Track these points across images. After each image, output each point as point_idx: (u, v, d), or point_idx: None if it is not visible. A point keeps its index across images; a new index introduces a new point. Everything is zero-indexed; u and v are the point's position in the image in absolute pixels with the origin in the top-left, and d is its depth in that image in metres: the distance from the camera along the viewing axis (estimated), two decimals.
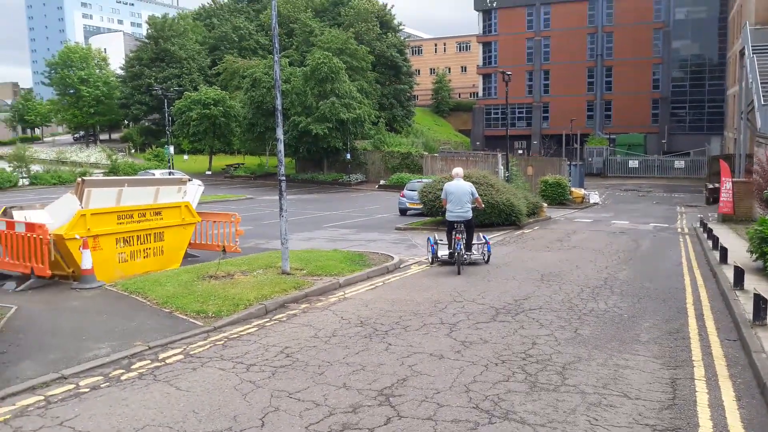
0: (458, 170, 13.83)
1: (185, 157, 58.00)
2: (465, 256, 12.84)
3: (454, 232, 12.79)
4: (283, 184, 11.81)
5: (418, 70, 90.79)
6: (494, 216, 20.71)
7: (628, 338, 7.90)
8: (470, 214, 12.92)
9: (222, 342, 7.64)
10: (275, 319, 8.79)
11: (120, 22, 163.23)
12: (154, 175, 35.99)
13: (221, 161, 57.80)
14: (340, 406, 5.53)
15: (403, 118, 73.96)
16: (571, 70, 72.62)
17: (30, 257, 11.40)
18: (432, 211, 21.71)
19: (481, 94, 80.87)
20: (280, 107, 11.75)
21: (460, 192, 12.98)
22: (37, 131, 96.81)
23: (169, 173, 36.34)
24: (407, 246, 17.12)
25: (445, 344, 7.45)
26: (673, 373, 6.56)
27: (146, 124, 70.34)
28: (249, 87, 48.29)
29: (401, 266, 13.44)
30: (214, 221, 15.33)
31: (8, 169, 41.65)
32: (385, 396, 5.75)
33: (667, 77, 68.89)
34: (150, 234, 13.40)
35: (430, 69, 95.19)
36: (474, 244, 13.66)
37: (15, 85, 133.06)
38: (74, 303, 10.07)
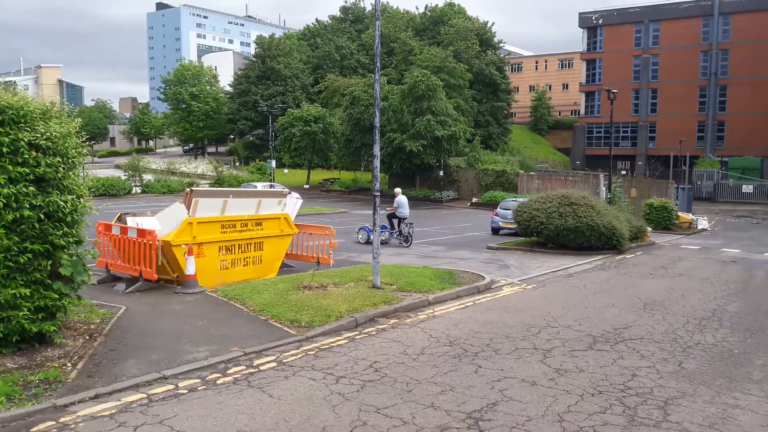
0: (398, 189, 23.87)
1: (285, 170, 60.06)
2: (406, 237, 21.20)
3: (401, 224, 21.64)
4: (377, 200, 11.94)
5: (517, 88, 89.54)
6: (594, 239, 19.91)
7: (739, 376, 7.31)
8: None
9: (314, 352, 7.78)
10: (365, 333, 8.85)
11: (230, 41, 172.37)
12: (256, 187, 37.51)
13: (319, 176, 59.44)
14: (428, 425, 5.46)
15: (499, 136, 73.15)
16: (681, 88, 69.01)
17: (139, 261, 12.14)
18: (527, 231, 21.17)
19: (583, 112, 78.52)
20: (378, 124, 11.92)
21: (405, 202, 22.04)
22: (151, 143, 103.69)
23: (270, 186, 37.78)
24: (499, 266, 16.78)
25: (538, 370, 7.19)
26: None
27: (251, 138, 73.58)
28: (348, 104, 49.49)
29: (492, 287, 13.18)
30: (310, 233, 15.75)
31: (123, 178, 44.76)
32: (474, 419, 5.62)
33: None
34: (251, 243, 13.94)
35: (530, 86, 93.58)
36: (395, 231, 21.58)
37: (134, 100, 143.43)
38: (177, 307, 10.61)
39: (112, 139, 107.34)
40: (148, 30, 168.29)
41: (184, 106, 73.86)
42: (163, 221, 12.91)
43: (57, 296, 7.19)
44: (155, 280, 12.12)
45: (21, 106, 6.91)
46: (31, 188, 6.83)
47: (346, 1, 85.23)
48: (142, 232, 12.30)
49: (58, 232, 7.09)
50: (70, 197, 7.24)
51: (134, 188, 44.92)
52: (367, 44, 74.79)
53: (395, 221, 21.87)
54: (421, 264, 16.08)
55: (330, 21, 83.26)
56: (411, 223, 21.85)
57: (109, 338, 8.23)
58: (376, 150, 11.96)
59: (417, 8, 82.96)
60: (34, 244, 6.91)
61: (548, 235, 20.31)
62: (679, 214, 32.72)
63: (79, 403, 5.83)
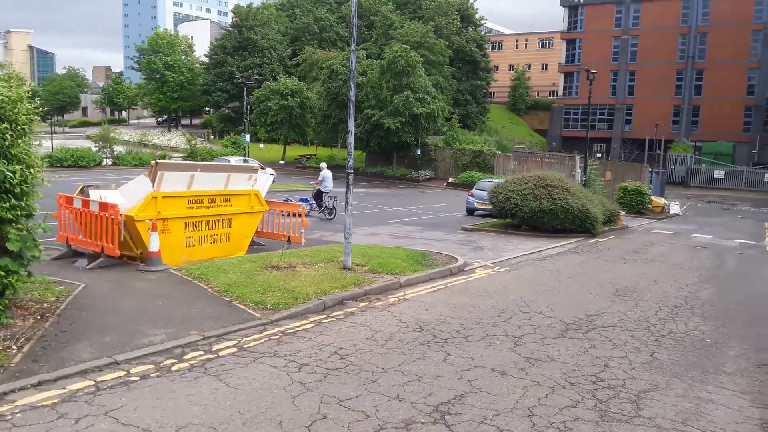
0: (323, 164, 24.80)
1: (261, 145, 59.12)
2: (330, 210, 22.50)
3: (326, 197, 22.66)
4: (350, 177, 11.59)
5: (497, 66, 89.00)
6: (567, 222, 19.83)
7: (711, 367, 7.19)
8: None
9: (277, 337, 7.46)
10: (332, 317, 8.55)
11: (208, 10, 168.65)
12: (229, 161, 36.82)
13: (295, 151, 58.61)
14: (392, 420, 5.20)
15: (478, 115, 72.74)
16: (658, 71, 69.26)
17: (101, 236, 11.64)
18: (501, 212, 21.00)
19: (561, 93, 78.48)
20: (353, 98, 11.52)
21: (329, 176, 23.21)
22: (124, 114, 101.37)
23: (244, 161, 37.06)
24: (473, 248, 16.59)
25: (508, 359, 6.98)
26: (764, 413, 5.86)
27: (226, 111, 72.14)
28: (326, 78, 48.66)
29: (465, 269, 12.97)
30: (281, 211, 15.33)
31: (93, 149, 43.58)
32: (440, 413, 5.38)
33: (763, 83, 64.59)
34: (218, 220, 13.49)
35: (509, 65, 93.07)
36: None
37: (108, 69, 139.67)
38: (138, 284, 10.20)
39: (84, 109, 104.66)
40: None
41: (158, 76, 72.07)
42: (126, 195, 12.38)
43: (3, 273, 6.74)
44: (117, 257, 11.65)
45: None
46: None
47: None
48: (104, 206, 11.76)
49: (4, 205, 6.61)
50: (18, 167, 6.74)
51: (105, 160, 43.80)
52: (347, 16, 73.23)
53: (324, 196, 22.85)
54: (395, 244, 15.81)
55: None
56: (335, 197, 22.64)
57: (62, 318, 7.81)
58: (351, 125, 11.57)
59: None
60: None
61: (523, 217, 20.18)
62: (652, 198, 32.92)
63: (20, 391, 5.44)
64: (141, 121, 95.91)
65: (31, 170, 6.99)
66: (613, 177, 35.88)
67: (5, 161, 6.62)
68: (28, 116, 7.06)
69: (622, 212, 25.56)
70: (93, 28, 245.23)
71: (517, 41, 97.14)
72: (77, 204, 12.28)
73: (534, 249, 16.71)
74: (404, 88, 45.20)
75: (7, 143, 6.62)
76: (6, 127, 6.60)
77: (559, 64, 78.60)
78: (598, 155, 65.28)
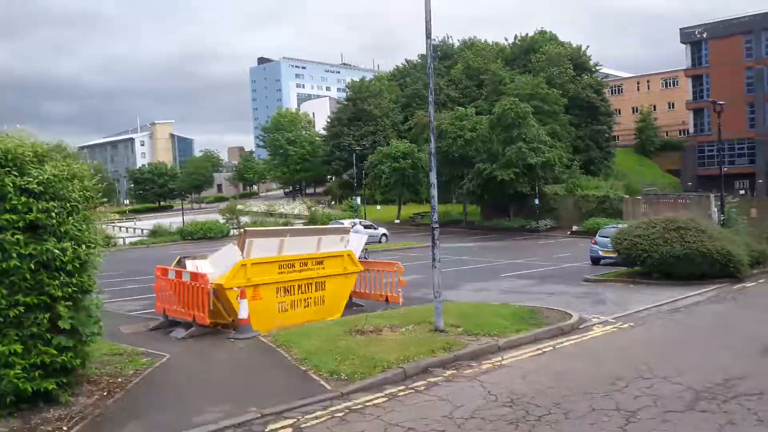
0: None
1: (378, 207, 59.92)
2: None
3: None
4: (436, 233, 10.71)
5: (618, 110, 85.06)
6: (706, 266, 17.40)
7: None
8: None
9: (342, 414, 6.58)
10: (411, 388, 7.54)
11: (328, 88, 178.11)
12: (343, 224, 37.43)
13: (410, 210, 58.83)
14: None
15: (602, 160, 69.46)
16: None
17: (193, 306, 11.56)
18: (628, 260, 18.96)
19: (692, 130, 73.07)
20: (433, 150, 10.84)
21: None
22: (255, 188, 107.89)
23: (359, 222, 37.39)
24: (594, 301, 14.85)
25: None
26: None
27: (345, 178, 74.57)
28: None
29: (581, 326, 11.41)
30: (378, 270, 14.67)
31: (221, 221, 46.05)
32: None
33: None
34: (311, 283, 13.08)
35: (632, 108, 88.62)
36: None
37: (241, 149, 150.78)
38: (222, 355, 9.83)
39: (219, 186, 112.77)
40: (251, 83, 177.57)
41: (281, 151, 76.27)
42: (215, 263, 12.33)
43: (56, 352, 6.49)
44: (208, 325, 11.46)
45: (9, 149, 6.38)
46: (18, 236, 6.22)
47: (434, 39, 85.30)
48: (195, 276, 11.75)
49: (55, 282, 6.44)
50: (69, 244, 6.57)
51: (232, 230, 46.02)
52: (456, 79, 74.01)
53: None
54: (502, 301, 14.51)
55: (419, 60, 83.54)
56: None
57: (129, 394, 7.49)
58: (433, 178, 10.87)
59: (506, 39, 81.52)
60: (28, 296, 6.28)
61: (652, 263, 18.05)
62: None
63: None
64: (270, 193, 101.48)
65: (84, 246, 6.80)
66: (760, 215, 31.83)
67: (55, 239, 6.47)
68: (83, 193, 6.95)
69: None
70: (227, 115, 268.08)
71: (638, 83, 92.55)
72: (171, 275, 12.39)
73: (666, 300, 14.63)
74: (516, 140, 44.00)
75: (55, 222, 6.49)
76: (54, 206, 6.49)
77: (687, 101, 73.60)
78: (741, 192, 59.15)
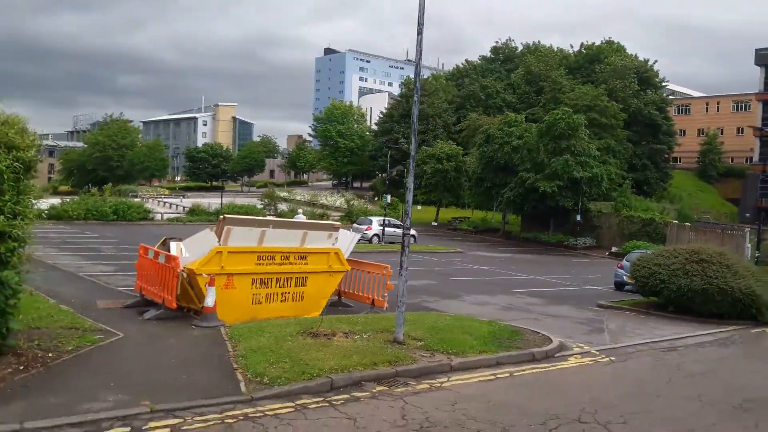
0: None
1: (419, 207, 59.27)
2: None
3: None
4: (407, 240, 10.17)
5: (683, 131, 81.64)
6: (726, 305, 16.19)
7: None
8: None
9: (232, 421, 6.21)
10: (329, 401, 7.10)
11: (390, 84, 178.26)
12: (371, 221, 37.49)
13: (451, 213, 58.00)
14: None
15: (657, 181, 66.92)
16: None
17: (163, 288, 11.45)
18: (645, 289, 17.84)
19: (756, 158, 69.25)
20: (413, 153, 10.28)
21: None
22: (305, 177, 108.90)
23: (385, 222, 37.01)
24: (592, 329, 14.01)
25: None
26: None
27: (394, 173, 74.30)
28: (482, 143, 47.79)
29: (557, 354, 10.68)
30: (368, 272, 14.24)
31: (259, 206, 46.45)
32: None
33: None
34: (290, 278, 12.78)
35: (698, 130, 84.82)
36: None
37: (299, 137, 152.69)
38: (171, 341, 9.65)
39: (272, 172, 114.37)
40: (316, 73, 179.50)
41: (331, 142, 76.55)
42: (191, 248, 12.16)
43: None
44: (174, 309, 11.32)
45: None
46: None
47: (497, 42, 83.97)
48: (169, 258, 11.63)
49: None
50: None
51: (268, 216, 46.43)
52: (515, 83, 72.50)
53: None
54: (496, 317, 13.88)
55: (480, 61, 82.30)
56: None
57: (46, 371, 7.35)
58: (410, 182, 10.32)
59: (572, 46, 79.31)
60: None
61: (669, 296, 16.94)
62: None
63: None
64: (320, 183, 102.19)
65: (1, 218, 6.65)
66: None
67: None
68: (11, 164, 6.79)
69: None
70: (291, 102, 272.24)
71: (707, 104, 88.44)
72: (150, 254, 12.32)
73: (669, 336, 13.66)
74: (564, 151, 42.58)
75: None
76: None
77: (754, 127, 69.79)
78: None
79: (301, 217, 32.07)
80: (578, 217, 44.17)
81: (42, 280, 15.06)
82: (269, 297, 12.51)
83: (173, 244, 13.00)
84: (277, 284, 12.63)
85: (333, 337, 9.64)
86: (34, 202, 7.44)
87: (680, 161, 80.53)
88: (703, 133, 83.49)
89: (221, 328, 10.59)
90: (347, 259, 13.75)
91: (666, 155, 69.35)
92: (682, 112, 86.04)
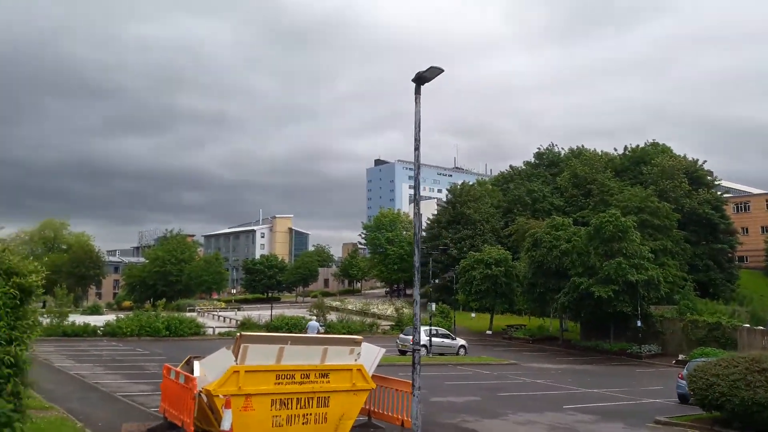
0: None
1: (472, 315, 57.87)
2: None
3: None
4: (417, 356, 9.72)
5: (745, 228, 78.70)
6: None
7: None
8: None
9: None
10: None
11: (439, 191, 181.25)
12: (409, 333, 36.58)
13: (505, 321, 56.27)
14: None
15: (723, 282, 63.78)
16: None
17: (182, 410, 11.19)
18: (704, 403, 16.33)
19: None
20: (417, 264, 10.05)
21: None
22: (358, 285, 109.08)
23: (433, 331, 35.94)
24: None
25: None
26: None
27: (440, 281, 73.58)
28: (530, 246, 47.11)
29: None
30: (396, 390, 13.58)
31: (308, 317, 46.22)
32: None
33: None
34: (312, 398, 12.25)
35: (762, 227, 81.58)
36: None
37: (354, 245, 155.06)
38: None
39: (326, 281, 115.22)
40: (368, 183, 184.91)
41: (381, 250, 77.13)
42: (208, 368, 11.92)
43: None
44: None
45: None
46: None
47: (539, 147, 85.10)
48: (187, 379, 11.44)
49: None
50: None
51: (319, 327, 46.05)
52: (562, 187, 72.36)
53: None
54: None
55: (524, 167, 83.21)
56: None
57: None
58: (416, 294, 10.05)
59: (615, 149, 79.54)
60: None
61: (732, 410, 15.43)
62: None
63: None
64: (373, 291, 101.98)
65: None
66: None
67: None
68: (8, 290, 6.93)
69: None
70: (345, 212, 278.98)
71: (767, 201, 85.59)
72: (172, 375, 12.16)
73: None
74: (615, 254, 41.35)
75: None
76: None
77: None
78: None
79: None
80: (638, 323, 41.98)
81: (78, 401, 15.11)
82: (290, 419, 11.97)
83: (197, 364, 12.85)
84: (298, 405, 12.10)
85: None
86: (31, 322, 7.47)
87: (747, 260, 76.97)
88: (766, 231, 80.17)
89: None
90: (373, 376, 13.21)
91: (729, 254, 66.50)
92: (741, 210, 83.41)
